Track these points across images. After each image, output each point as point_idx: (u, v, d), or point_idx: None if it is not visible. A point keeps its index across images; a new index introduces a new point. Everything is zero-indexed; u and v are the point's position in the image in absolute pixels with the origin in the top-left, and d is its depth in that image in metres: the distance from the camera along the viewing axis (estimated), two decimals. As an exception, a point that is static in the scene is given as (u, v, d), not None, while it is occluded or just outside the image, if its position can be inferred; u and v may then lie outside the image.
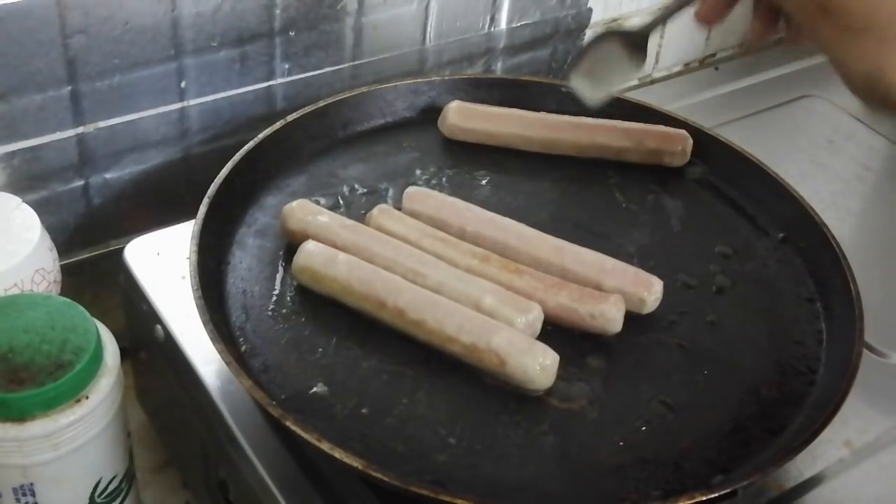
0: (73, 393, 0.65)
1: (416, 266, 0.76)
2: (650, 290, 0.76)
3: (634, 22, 0.85)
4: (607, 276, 0.77)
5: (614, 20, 1.24)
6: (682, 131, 0.93)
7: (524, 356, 0.69)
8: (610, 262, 0.78)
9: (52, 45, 0.81)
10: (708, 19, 0.76)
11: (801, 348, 0.77)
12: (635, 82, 1.31)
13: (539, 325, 0.73)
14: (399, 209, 0.83)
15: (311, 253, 0.76)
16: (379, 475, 0.60)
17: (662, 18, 0.82)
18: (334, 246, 0.76)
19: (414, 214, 0.82)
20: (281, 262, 0.80)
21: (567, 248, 0.80)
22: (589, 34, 0.86)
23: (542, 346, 0.70)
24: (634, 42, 0.84)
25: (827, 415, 0.67)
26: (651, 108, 0.96)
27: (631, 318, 0.75)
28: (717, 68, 1.36)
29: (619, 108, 0.95)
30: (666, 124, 0.95)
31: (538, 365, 0.69)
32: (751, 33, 0.74)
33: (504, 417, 0.69)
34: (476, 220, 0.82)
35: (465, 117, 0.94)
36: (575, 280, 0.77)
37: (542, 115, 0.95)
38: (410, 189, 0.85)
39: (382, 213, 0.81)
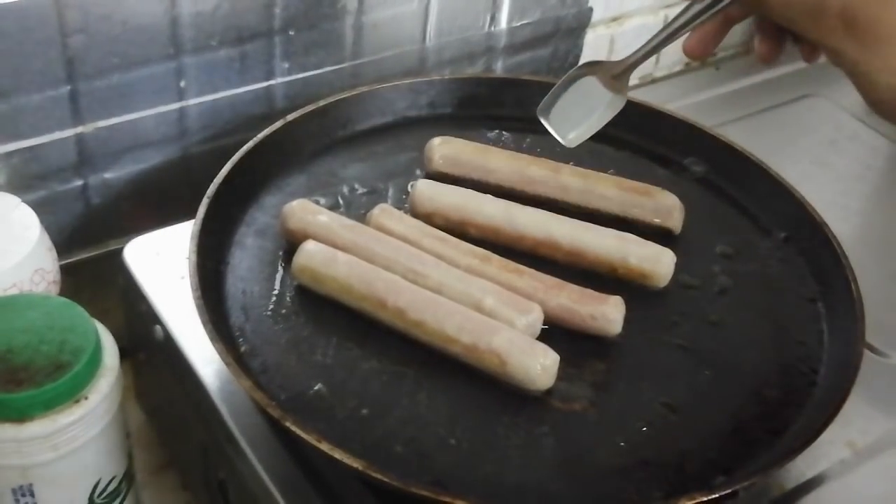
0: (72, 393, 0.64)
1: (416, 266, 0.75)
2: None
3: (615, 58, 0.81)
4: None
5: (614, 19, 1.24)
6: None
7: (524, 356, 0.69)
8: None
9: (51, 44, 0.81)
10: (696, 53, 0.73)
11: (803, 349, 0.77)
12: (636, 81, 1.31)
13: (539, 326, 0.73)
14: (401, 208, 0.83)
15: (311, 253, 0.75)
16: (379, 476, 0.60)
17: (646, 54, 0.75)
18: (334, 246, 0.76)
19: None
20: (281, 262, 0.79)
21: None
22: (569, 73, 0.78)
23: (542, 346, 0.70)
24: (615, 77, 0.76)
25: (828, 415, 0.67)
26: (652, 108, 0.96)
27: (632, 318, 0.75)
28: (718, 68, 1.36)
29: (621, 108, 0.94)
30: (666, 123, 0.95)
31: (539, 365, 0.69)
32: (758, 55, 0.71)
33: (504, 418, 0.69)
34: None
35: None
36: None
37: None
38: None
39: (383, 212, 0.81)
